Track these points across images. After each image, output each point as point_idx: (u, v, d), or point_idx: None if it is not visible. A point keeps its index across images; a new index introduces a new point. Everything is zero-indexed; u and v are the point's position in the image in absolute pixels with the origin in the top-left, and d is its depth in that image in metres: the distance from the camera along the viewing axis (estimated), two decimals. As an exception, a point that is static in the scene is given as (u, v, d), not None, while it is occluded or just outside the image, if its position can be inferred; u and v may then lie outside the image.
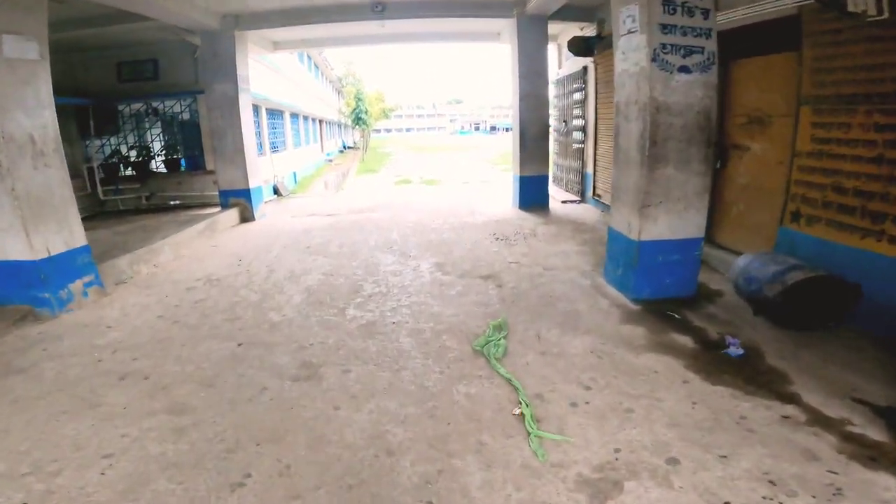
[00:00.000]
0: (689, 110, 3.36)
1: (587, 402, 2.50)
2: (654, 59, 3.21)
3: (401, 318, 3.69)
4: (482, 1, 6.84)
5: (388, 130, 79.66)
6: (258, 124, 11.21)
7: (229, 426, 2.39)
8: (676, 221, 3.61)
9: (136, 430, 2.36)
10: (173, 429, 2.37)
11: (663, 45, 3.20)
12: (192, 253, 5.86)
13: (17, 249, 3.70)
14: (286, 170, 13.58)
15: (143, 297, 4.40)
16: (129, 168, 8.76)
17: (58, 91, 7.74)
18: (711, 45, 3.32)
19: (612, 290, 4.06)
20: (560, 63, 9.17)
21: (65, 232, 4.02)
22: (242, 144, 7.24)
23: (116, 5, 5.54)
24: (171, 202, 8.58)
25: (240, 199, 7.57)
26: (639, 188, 3.54)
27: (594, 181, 7.75)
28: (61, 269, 3.97)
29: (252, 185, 7.55)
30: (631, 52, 3.43)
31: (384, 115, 34.45)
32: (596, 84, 7.24)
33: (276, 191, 11.70)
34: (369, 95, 30.11)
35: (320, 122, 23.77)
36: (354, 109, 23.79)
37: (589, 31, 7.37)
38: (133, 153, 8.71)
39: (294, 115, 15.97)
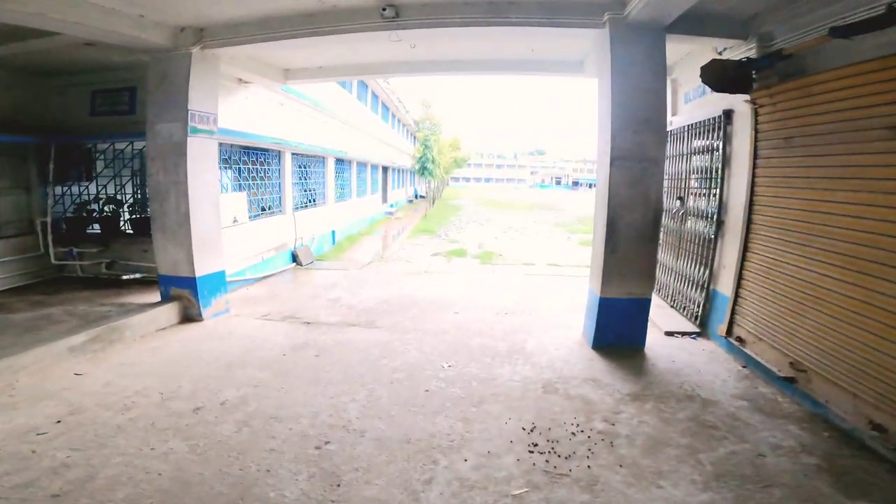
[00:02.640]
0: None
1: None
2: None
3: None
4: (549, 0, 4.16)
5: (467, 179, 79.36)
6: (279, 174, 9.29)
7: None
8: None
9: None
10: None
11: None
12: (32, 385, 3.58)
13: None
14: (321, 228, 11.57)
15: None
16: (96, 224, 6.99)
17: (18, 124, 6.12)
18: None
19: None
20: (675, 108, 6.14)
21: None
22: (188, 212, 5.00)
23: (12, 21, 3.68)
24: (129, 276, 6.53)
25: (183, 291, 5.28)
26: None
27: (733, 309, 4.43)
28: None
29: (201, 271, 5.23)
30: None
31: (456, 165, 32.68)
32: (755, 140, 4.08)
33: (294, 258, 9.61)
34: (443, 142, 28.54)
35: (384, 169, 22.28)
36: (420, 158, 21.83)
37: (739, 52, 4.35)
38: (100, 206, 6.93)
39: (342, 162, 14.23)
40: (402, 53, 6.03)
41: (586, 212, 30.42)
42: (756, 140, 4.04)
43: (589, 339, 4.69)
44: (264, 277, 8.11)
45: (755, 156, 4.05)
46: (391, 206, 23.92)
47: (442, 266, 10.14)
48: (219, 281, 5.58)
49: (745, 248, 4.20)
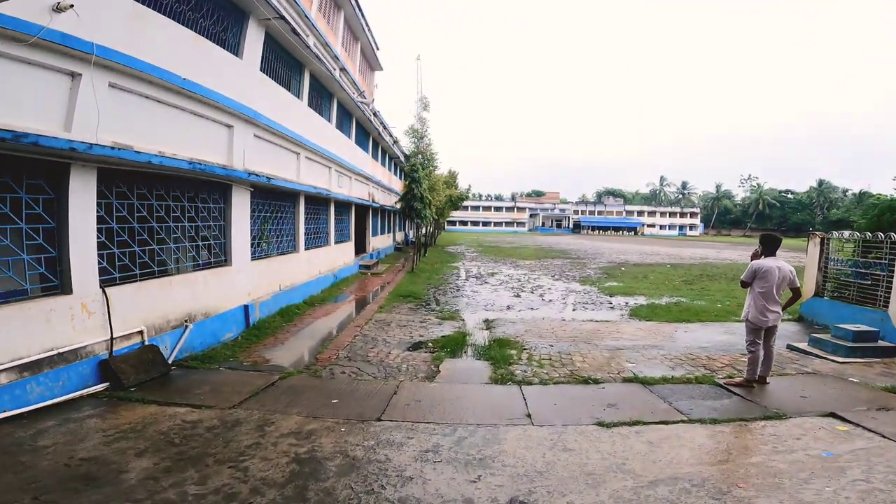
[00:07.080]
0: None
1: None
2: None
3: None
4: None
5: (464, 223, 75.15)
6: (55, 210, 4.30)
7: None
8: None
9: None
10: None
11: None
12: None
13: None
14: (216, 304, 6.53)
15: None
16: None
17: None
18: None
19: None
20: None
21: None
22: None
23: None
24: None
25: None
26: None
27: None
28: None
29: None
30: None
31: (452, 205, 27.85)
32: None
33: (111, 376, 4.55)
34: (436, 178, 23.88)
35: (361, 209, 17.40)
36: (405, 195, 16.60)
37: None
38: None
39: (277, 196, 9.28)
40: None
41: (605, 258, 25.51)
42: None
43: None
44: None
45: None
46: (370, 256, 18.87)
47: (421, 387, 4.96)
48: None
49: None
